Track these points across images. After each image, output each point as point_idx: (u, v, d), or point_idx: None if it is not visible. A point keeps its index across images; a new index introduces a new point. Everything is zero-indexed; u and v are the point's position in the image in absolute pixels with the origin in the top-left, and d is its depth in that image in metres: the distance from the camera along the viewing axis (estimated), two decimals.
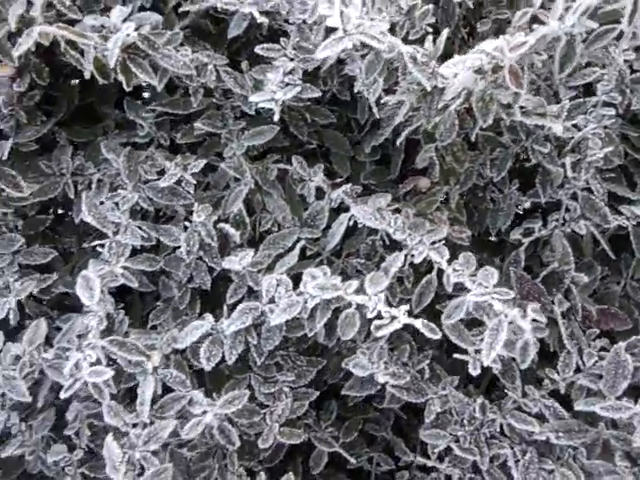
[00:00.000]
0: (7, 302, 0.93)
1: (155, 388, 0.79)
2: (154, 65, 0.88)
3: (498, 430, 0.86)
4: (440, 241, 0.83)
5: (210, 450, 0.86)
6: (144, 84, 1.00)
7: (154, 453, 0.75)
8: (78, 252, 1.03)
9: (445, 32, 0.84)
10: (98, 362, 0.77)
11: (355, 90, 0.93)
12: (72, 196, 0.96)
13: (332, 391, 0.94)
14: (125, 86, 0.87)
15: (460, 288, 0.79)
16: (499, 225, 1.02)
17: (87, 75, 0.88)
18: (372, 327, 0.77)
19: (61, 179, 0.97)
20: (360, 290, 0.78)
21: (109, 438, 0.76)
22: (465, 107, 0.84)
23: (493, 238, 1.04)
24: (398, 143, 0.94)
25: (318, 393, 0.86)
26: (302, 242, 0.91)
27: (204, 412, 0.77)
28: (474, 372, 0.80)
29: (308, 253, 0.93)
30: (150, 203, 0.92)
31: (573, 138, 0.93)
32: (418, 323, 0.73)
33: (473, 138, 0.88)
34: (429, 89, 0.84)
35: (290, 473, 0.81)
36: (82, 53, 0.89)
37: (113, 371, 0.75)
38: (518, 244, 0.99)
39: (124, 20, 0.86)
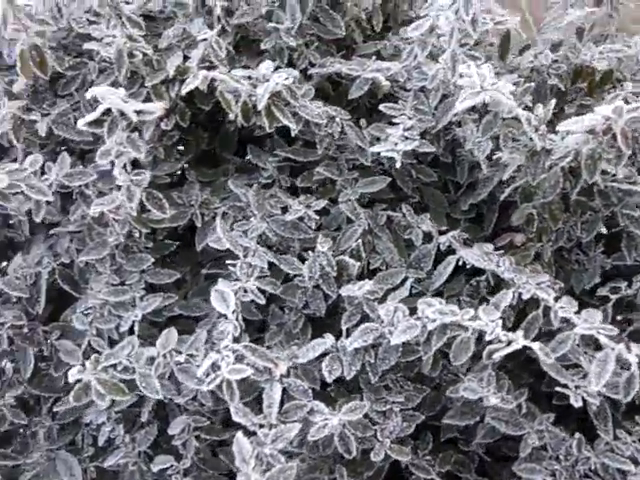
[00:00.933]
0: (134, 315, 1.01)
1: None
2: (292, 113, 1.00)
3: (592, 469, 0.91)
4: (544, 283, 0.92)
5: (318, 465, 0.91)
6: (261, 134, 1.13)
7: (280, 452, 0.80)
8: (192, 279, 1.12)
9: (553, 102, 0.97)
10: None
11: (464, 149, 1.05)
12: (199, 224, 1.06)
13: (427, 424, 1.00)
14: (267, 127, 0.99)
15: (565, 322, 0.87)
16: (583, 285, 1.10)
17: (232, 117, 1.00)
18: (485, 352, 0.85)
19: (190, 209, 1.07)
20: (475, 318, 0.86)
21: (239, 434, 0.81)
22: (570, 166, 0.94)
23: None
24: (501, 198, 1.04)
25: (424, 417, 0.92)
26: (410, 279, 0.99)
27: (326, 420, 0.83)
28: (576, 404, 0.86)
29: (413, 291, 1.01)
30: (274, 234, 1.01)
31: None
32: (535, 345, 0.80)
33: (573, 197, 0.98)
34: (539, 149, 0.95)
35: None
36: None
37: (251, 370, 0.82)
38: (602, 303, 1.07)
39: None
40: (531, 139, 0.95)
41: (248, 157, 1.13)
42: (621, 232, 1.09)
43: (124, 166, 0.94)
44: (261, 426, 0.83)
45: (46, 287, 1.12)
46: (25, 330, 1.12)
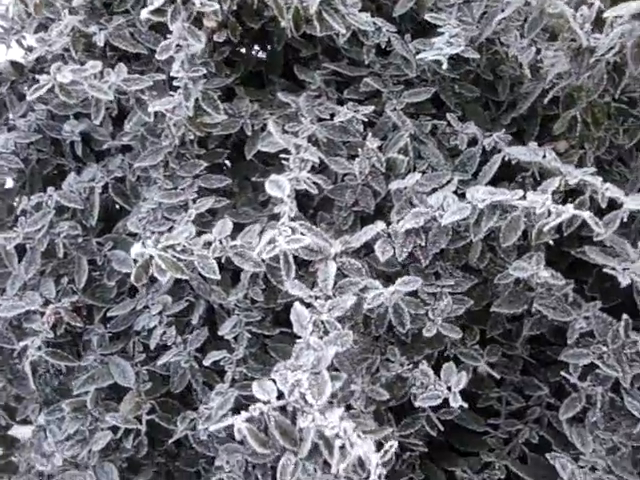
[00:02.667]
0: (187, 215, 1.05)
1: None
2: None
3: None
4: (589, 171, 0.94)
5: (369, 347, 0.93)
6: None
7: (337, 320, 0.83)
8: (240, 191, 1.15)
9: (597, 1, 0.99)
10: None
11: (506, 66, 1.08)
12: (249, 133, 1.10)
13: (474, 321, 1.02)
14: (318, 31, 1.03)
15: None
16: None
17: (284, 24, 1.04)
18: (536, 229, 0.87)
19: (240, 119, 1.11)
20: (524, 198, 0.88)
21: (297, 304, 0.84)
22: (615, 61, 0.97)
23: None
24: (545, 101, 1.06)
25: (473, 302, 0.94)
26: (456, 179, 1.02)
27: (380, 292, 0.86)
28: (624, 282, 0.88)
29: (459, 192, 1.04)
30: (324, 137, 1.04)
31: None
32: (586, 214, 0.82)
33: (618, 93, 1.00)
34: (584, 45, 0.97)
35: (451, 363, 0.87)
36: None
37: (309, 240, 0.85)
38: None
39: None
40: (573, 40, 0.98)
41: (295, 77, 1.17)
42: None
43: (182, 63, 0.98)
44: (317, 298, 0.86)
45: (99, 202, 1.16)
46: (79, 240, 1.16)
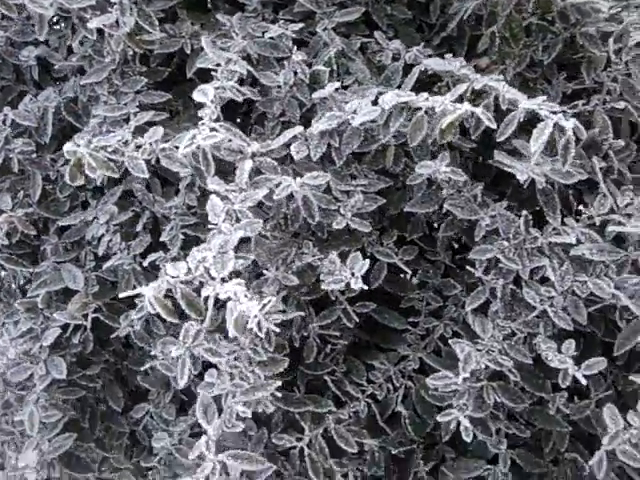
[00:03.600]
0: (128, 128, 1.12)
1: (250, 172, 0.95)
2: None
3: (539, 246, 0.99)
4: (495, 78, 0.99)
5: (287, 242, 1.00)
6: None
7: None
8: (183, 110, 1.22)
9: None
10: None
11: None
12: (188, 51, 1.16)
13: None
14: None
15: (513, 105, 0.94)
16: None
17: None
18: (437, 129, 0.93)
19: (181, 39, 1.17)
20: (428, 99, 0.94)
21: (213, 196, 0.91)
22: None
23: None
24: (466, 16, 1.12)
25: (385, 200, 1.01)
26: (376, 90, 1.07)
27: (289, 183, 0.93)
28: (522, 178, 0.94)
29: None
30: (255, 52, 1.10)
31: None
32: (479, 110, 0.88)
33: (531, 6, 1.05)
34: None
35: (358, 253, 0.94)
36: None
37: (223, 135, 0.92)
38: None
39: None
40: None
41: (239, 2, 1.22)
42: (581, 58, 1.16)
43: None
44: (233, 191, 0.93)
45: (53, 121, 1.23)
46: (34, 156, 1.23)
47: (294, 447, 1.02)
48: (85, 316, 1.14)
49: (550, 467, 1.04)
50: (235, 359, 0.87)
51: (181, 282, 0.82)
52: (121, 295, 0.91)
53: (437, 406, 1.04)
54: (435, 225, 1.12)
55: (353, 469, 1.04)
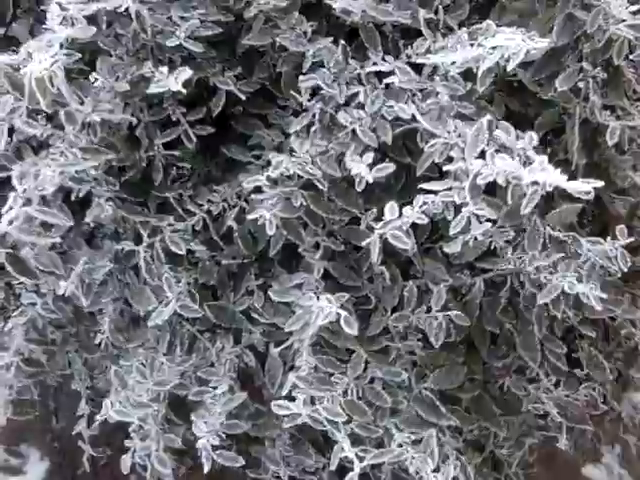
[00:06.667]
0: None
1: None
2: None
3: (357, 76, 1.10)
4: None
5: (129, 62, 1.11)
6: None
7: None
8: None
9: None
10: None
11: None
12: None
13: None
14: None
15: None
16: None
17: None
18: None
19: None
20: None
21: (53, 4, 1.02)
22: None
23: None
24: None
25: (222, 30, 1.11)
26: None
27: None
28: (337, 7, 1.05)
29: None
30: None
31: None
32: None
33: None
34: None
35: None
36: None
37: None
38: None
39: None
40: None
41: None
42: None
43: None
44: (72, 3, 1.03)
45: None
46: None
47: (134, 251, 1.14)
48: None
49: (366, 283, 1.16)
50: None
51: (5, 64, 0.93)
52: None
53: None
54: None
55: (187, 276, 1.16)
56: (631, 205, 1.35)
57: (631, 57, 1.14)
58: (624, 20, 1.10)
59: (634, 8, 1.10)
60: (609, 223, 1.40)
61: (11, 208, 0.90)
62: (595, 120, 1.20)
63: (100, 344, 1.25)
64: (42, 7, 1.15)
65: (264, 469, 1.28)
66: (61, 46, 0.95)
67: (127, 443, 1.21)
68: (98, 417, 1.12)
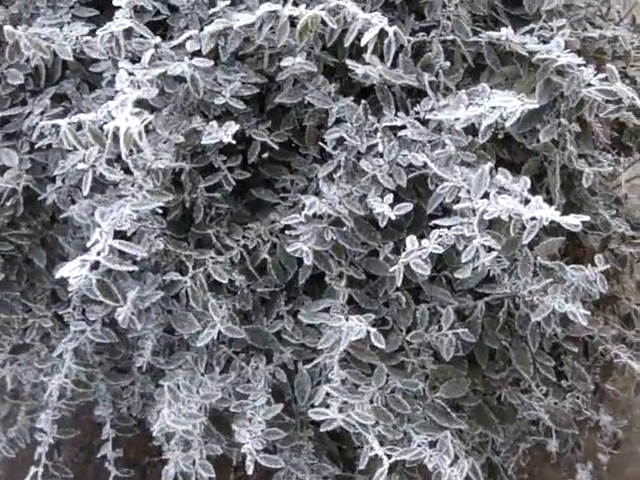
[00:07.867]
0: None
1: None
2: None
3: (375, 129, 1.29)
4: None
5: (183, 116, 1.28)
6: None
7: None
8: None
9: None
10: None
11: None
12: None
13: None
14: None
15: None
16: None
17: None
18: (297, 30, 1.23)
19: None
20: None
21: (121, 69, 1.19)
22: None
23: None
24: None
25: (259, 90, 1.30)
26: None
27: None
28: (360, 72, 1.24)
29: None
30: None
31: None
32: (322, 13, 1.18)
33: None
34: None
35: None
36: None
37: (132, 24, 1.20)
38: None
39: None
40: None
41: None
42: (425, 3, 1.48)
43: None
44: (137, 69, 1.21)
45: None
46: None
47: (179, 281, 1.30)
48: (17, 184, 1.40)
49: (382, 307, 1.34)
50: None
51: (89, 120, 1.09)
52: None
53: (297, 258, 1.32)
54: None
55: (227, 303, 1.32)
56: (602, 239, 1.57)
57: (600, 115, 1.36)
58: (593, 85, 1.33)
59: (601, 76, 1.33)
60: (583, 255, 1.62)
61: (97, 241, 1.06)
62: (572, 166, 1.42)
63: (141, 367, 1.40)
64: (89, 68, 1.36)
65: (287, 477, 1.43)
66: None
67: (167, 454, 1.34)
68: (156, 427, 1.25)
